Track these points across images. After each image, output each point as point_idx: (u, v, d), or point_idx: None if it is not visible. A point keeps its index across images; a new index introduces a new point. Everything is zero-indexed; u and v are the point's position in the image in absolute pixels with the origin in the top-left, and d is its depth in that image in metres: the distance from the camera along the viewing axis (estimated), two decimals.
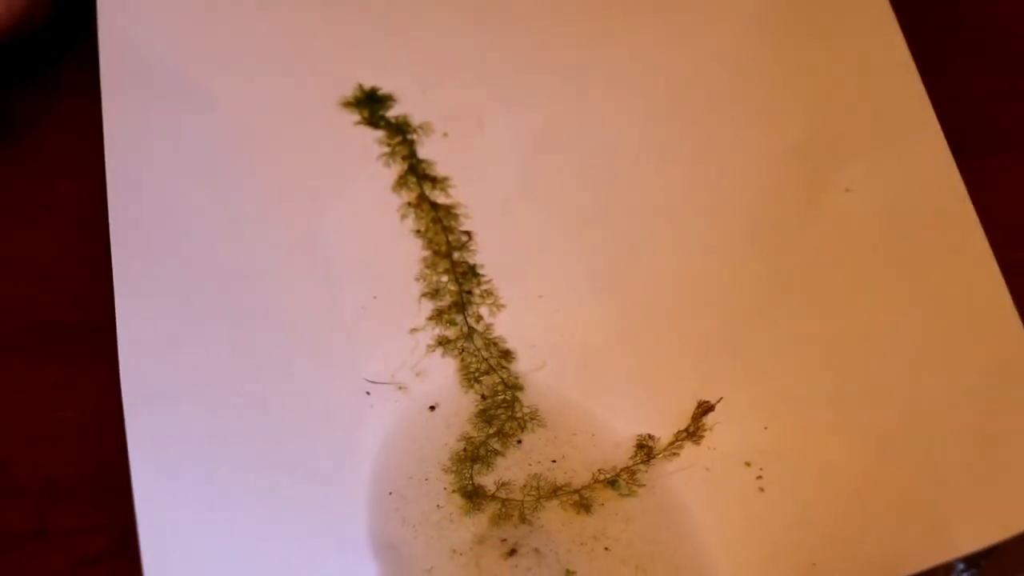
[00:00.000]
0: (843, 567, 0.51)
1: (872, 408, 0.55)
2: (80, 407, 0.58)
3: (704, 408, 0.57)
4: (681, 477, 0.56)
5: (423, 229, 0.63)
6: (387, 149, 0.66)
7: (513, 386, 0.59)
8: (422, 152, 0.66)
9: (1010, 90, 0.74)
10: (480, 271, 0.62)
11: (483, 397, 0.58)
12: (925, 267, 0.58)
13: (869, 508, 0.52)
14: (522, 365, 0.60)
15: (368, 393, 0.58)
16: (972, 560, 0.49)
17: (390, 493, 0.55)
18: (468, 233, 0.63)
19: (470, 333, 0.60)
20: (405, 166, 0.65)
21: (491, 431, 0.57)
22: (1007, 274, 0.55)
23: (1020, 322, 0.53)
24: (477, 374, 0.59)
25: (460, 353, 0.60)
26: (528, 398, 0.59)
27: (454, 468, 0.56)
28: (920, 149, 0.61)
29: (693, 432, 0.57)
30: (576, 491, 0.56)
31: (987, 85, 0.74)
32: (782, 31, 0.68)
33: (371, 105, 0.67)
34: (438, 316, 0.61)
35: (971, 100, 0.71)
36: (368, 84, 0.67)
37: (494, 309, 0.61)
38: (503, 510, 0.55)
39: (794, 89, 0.66)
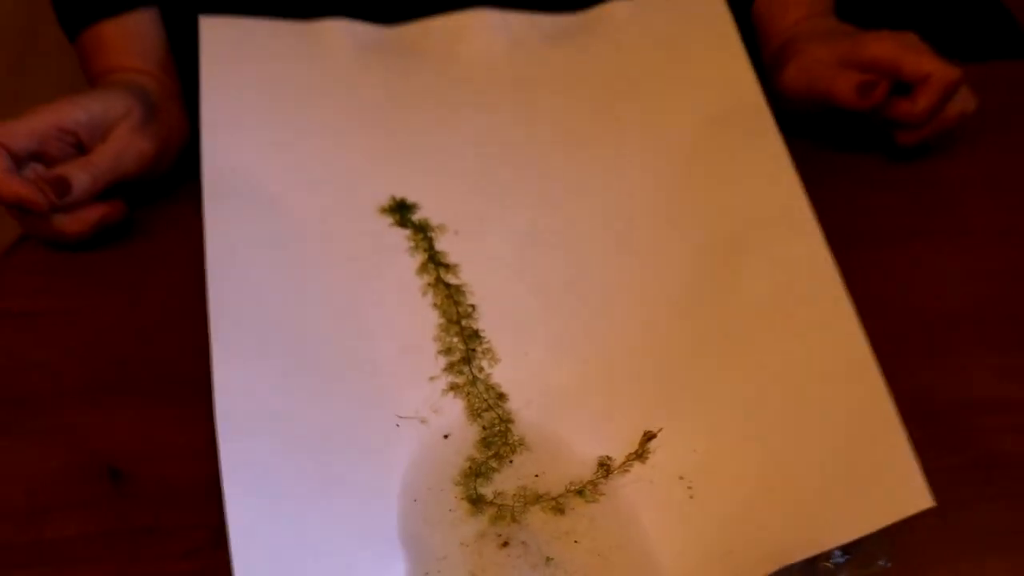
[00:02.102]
0: (751, 554, 0.51)
1: (771, 436, 0.55)
2: (185, 435, 0.59)
3: (648, 436, 0.57)
4: (631, 488, 0.56)
5: (439, 303, 0.64)
6: (412, 244, 0.67)
7: (506, 420, 0.59)
8: (438, 246, 0.67)
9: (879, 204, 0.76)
10: (482, 334, 0.63)
11: (484, 428, 0.59)
12: (810, 331, 0.58)
13: (770, 510, 0.52)
14: (513, 404, 0.60)
15: (398, 425, 0.58)
16: (846, 548, 0.50)
17: (415, 500, 0.55)
18: (472, 306, 0.64)
19: (474, 380, 0.61)
20: (426, 256, 0.66)
21: (490, 453, 0.57)
22: (871, 337, 0.56)
23: (879, 373, 0.54)
24: (479, 411, 0.59)
25: (467, 395, 0.60)
26: (518, 429, 0.59)
27: (462, 481, 0.56)
28: (801, 244, 0.61)
29: (640, 454, 0.57)
30: (553, 498, 0.55)
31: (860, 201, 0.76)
32: (700, 160, 0.69)
33: (401, 211, 0.68)
34: (450, 367, 0.61)
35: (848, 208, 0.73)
36: (399, 196, 0.69)
37: (492, 362, 0.62)
38: (499, 513, 0.55)
39: (709, 199, 0.67)
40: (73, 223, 0.69)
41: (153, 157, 0.72)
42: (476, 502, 0.56)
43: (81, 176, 0.68)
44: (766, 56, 0.82)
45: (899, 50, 0.74)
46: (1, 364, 0.64)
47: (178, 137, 0.75)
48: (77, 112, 0.70)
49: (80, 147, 0.70)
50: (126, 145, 0.70)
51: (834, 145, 0.78)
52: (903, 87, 0.74)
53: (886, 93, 0.73)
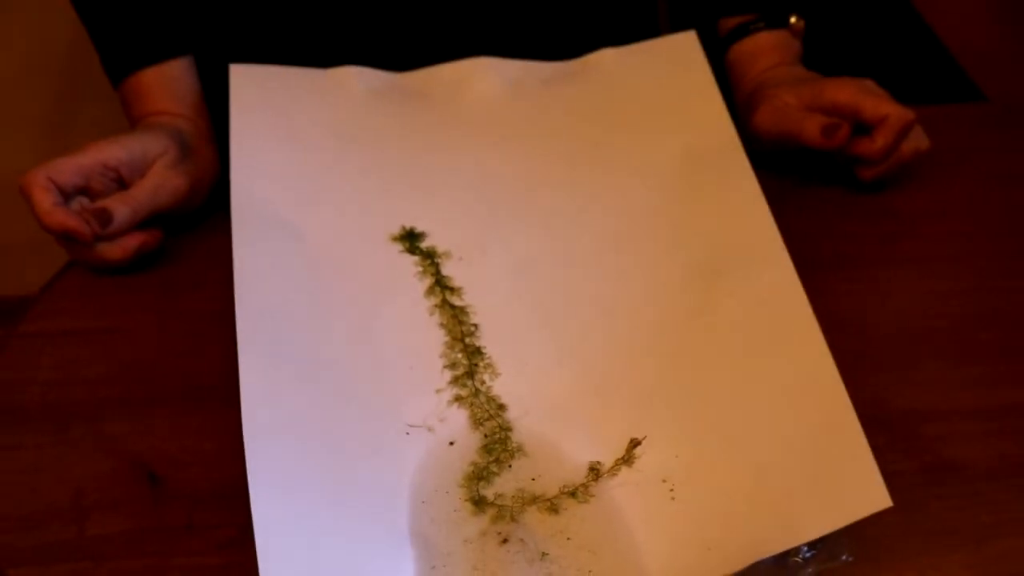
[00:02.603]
0: (728, 549, 0.51)
1: (745, 443, 0.55)
2: (215, 442, 0.59)
3: (634, 443, 0.57)
4: (619, 490, 0.56)
5: (445, 322, 0.64)
6: (421, 269, 0.67)
7: (506, 428, 0.59)
8: (444, 271, 0.67)
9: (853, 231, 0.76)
10: (483, 350, 0.63)
11: (485, 436, 0.59)
12: (781, 348, 0.58)
13: (745, 510, 0.52)
14: (512, 414, 0.60)
15: (407, 433, 0.58)
16: (812, 544, 0.50)
17: (423, 501, 0.55)
18: (475, 325, 0.64)
19: (476, 392, 0.60)
20: (433, 280, 0.66)
21: (491, 459, 0.57)
22: (835, 353, 0.56)
23: (842, 385, 0.54)
24: (481, 420, 0.59)
25: (470, 406, 0.60)
26: (516, 436, 0.59)
27: (466, 484, 0.56)
28: (772, 269, 0.61)
29: (627, 459, 0.57)
30: (548, 500, 0.55)
31: (824, 230, 0.76)
32: (681, 193, 0.69)
33: (410, 239, 0.68)
34: (455, 380, 0.61)
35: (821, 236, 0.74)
36: (408, 225, 0.69)
37: (493, 376, 0.62)
38: (499, 513, 0.55)
39: (689, 228, 0.67)
40: (114, 250, 0.69)
41: (187, 192, 0.72)
42: (478, 503, 0.55)
43: (122, 209, 0.68)
44: (739, 99, 0.83)
45: (859, 95, 0.74)
46: (51, 378, 0.64)
47: (210, 174, 0.76)
48: (119, 151, 0.70)
49: (121, 182, 0.71)
50: (162, 181, 0.70)
51: (801, 179, 0.78)
52: (863, 128, 0.75)
53: (848, 134, 0.73)
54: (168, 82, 0.78)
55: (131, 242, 0.69)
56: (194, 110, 0.78)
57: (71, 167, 0.68)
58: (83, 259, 0.70)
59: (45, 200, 0.66)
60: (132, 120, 0.78)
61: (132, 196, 0.69)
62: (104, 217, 0.67)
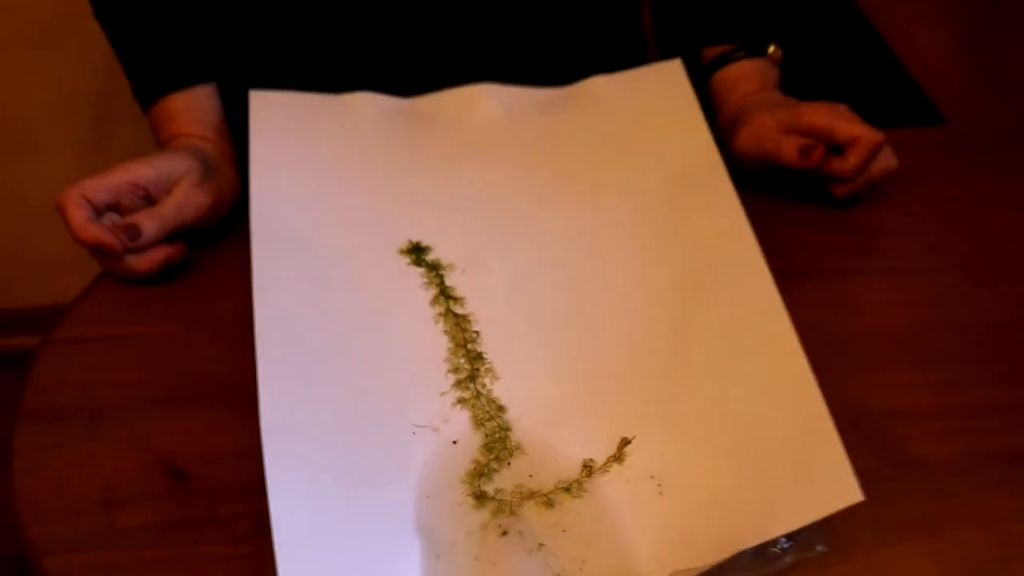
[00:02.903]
0: (711, 540, 0.51)
1: (728, 442, 0.56)
2: (236, 440, 0.59)
3: (624, 442, 0.58)
4: (610, 486, 0.56)
5: (448, 330, 0.64)
6: (426, 280, 0.67)
7: (505, 428, 0.59)
8: (448, 282, 0.67)
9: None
10: (485, 356, 0.63)
11: (486, 435, 0.59)
12: (760, 353, 0.59)
13: (727, 504, 0.53)
14: (511, 415, 0.60)
15: (414, 432, 0.58)
16: (790, 536, 0.50)
17: (428, 496, 0.55)
18: (477, 332, 0.64)
19: (478, 395, 0.61)
20: (438, 290, 0.66)
21: (491, 457, 0.57)
22: (810, 358, 0.56)
23: (817, 388, 0.55)
24: (483, 420, 0.59)
25: (472, 407, 0.60)
26: (515, 436, 0.59)
27: (468, 480, 0.56)
28: (751, 279, 0.62)
29: (618, 457, 0.57)
30: (545, 495, 0.55)
31: (800, 243, 0.76)
32: (668, 209, 0.70)
33: (417, 253, 0.68)
34: (458, 384, 0.61)
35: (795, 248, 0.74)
36: (415, 240, 0.69)
37: (493, 380, 0.62)
38: (499, 507, 0.55)
39: (675, 242, 0.67)
40: (143, 262, 0.69)
41: (209, 208, 0.72)
42: (480, 498, 0.56)
43: (150, 224, 0.69)
44: (721, 123, 0.83)
45: (832, 118, 0.75)
46: (84, 380, 0.64)
47: (231, 191, 0.76)
48: (147, 170, 0.70)
49: (149, 199, 0.71)
50: (187, 198, 0.71)
51: (779, 197, 0.79)
52: (837, 148, 0.75)
53: (823, 155, 0.74)
54: (193, 107, 0.78)
55: (158, 255, 0.70)
56: (217, 132, 0.78)
57: (103, 185, 0.68)
58: (114, 270, 0.70)
59: (79, 216, 0.67)
60: (160, 142, 0.78)
61: (159, 212, 0.70)
62: (133, 232, 0.68)
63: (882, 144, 0.74)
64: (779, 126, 0.76)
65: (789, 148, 0.74)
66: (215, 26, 0.81)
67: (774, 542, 0.50)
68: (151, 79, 0.78)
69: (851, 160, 0.74)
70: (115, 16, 0.79)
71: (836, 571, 0.54)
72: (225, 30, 0.83)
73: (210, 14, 0.81)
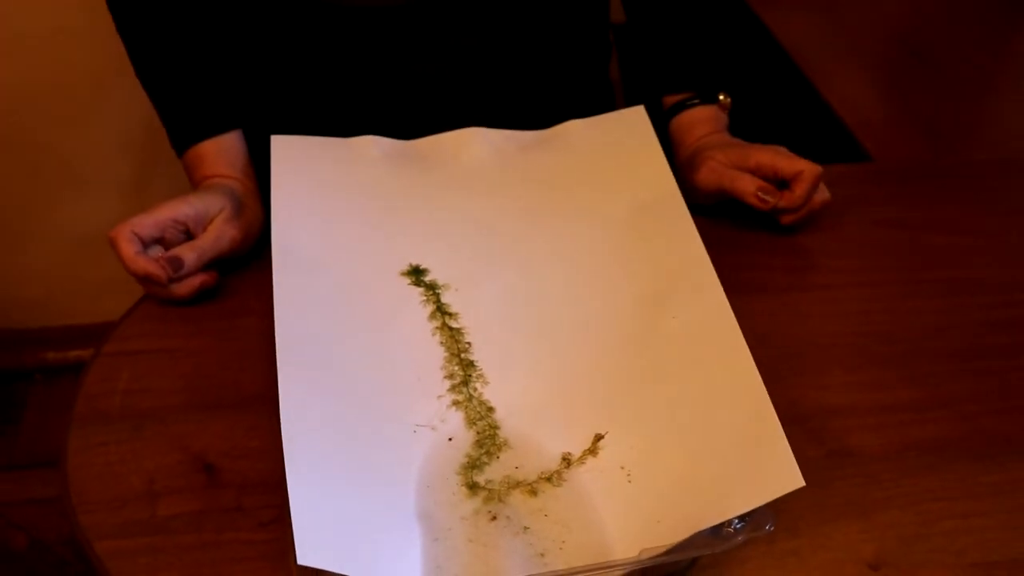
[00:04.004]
0: (674, 522, 0.51)
1: (687, 437, 0.55)
2: (259, 439, 0.59)
3: (598, 437, 0.58)
4: (586, 476, 0.56)
5: (444, 341, 0.63)
6: (424, 298, 0.66)
7: (494, 427, 0.59)
8: (444, 299, 0.66)
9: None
10: (476, 364, 0.62)
11: (478, 433, 0.58)
12: (714, 359, 0.58)
13: (687, 490, 0.53)
14: (499, 415, 0.60)
15: (415, 431, 0.58)
16: (742, 517, 0.50)
17: (427, 486, 0.55)
18: (469, 343, 0.63)
19: (470, 398, 0.60)
20: (434, 307, 0.65)
21: (482, 452, 0.57)
22: (758, 363, 0.56)
23: (764, 388, 0.54)
24: (474, 420, 0.59)
25: (465, 409, 0.60)
26: (503, 433, 0.59)
27: (462, 472, 0.56)
28: (707, 295, 0.61)
29: (592, 451, 0.57)
30: (530, 484, 0.56)
31: (749, 263, 0.76)
32: (632, 236, 0.69)
33: (416, 274, 0.67)
34: (453, 388, 0.61)
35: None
36: (414, 263, 0.68)
37: (484, 384, 0.61)
38: (489, 495, 0.55)
39: (639, 265, 0.67)
40: (181, 288, 0.69)
41: (240, 241, 0.72)
42: (472, 487, 0.56)
43: (190, 255, 0.69)
44: (679, 160, 0.83)
45: (776, 157, 0.75)
46: (129, 388, 0.64)
47: (257, 225, 0.76)
48: (187, 208, 0.70)
49: (188, 233, 0.71)
50: (222, 233, 0.71)
51: (729, 224, 0.79)
52: (782, 184, 0.76)
53: (778, 199, 0.75)
54: (223, 151, 0.78)
55: (195, 282, 0.69)
56: (244, 173, 0.78)
57: (150, 222, 0.68)
58: (157, 295, 0.70)
59: (130, 250, 0.67)
60: (194, 182, 0.78)
61: (198, 245, 0.69)
62: (176, 263, 0.68)
63: (822, 175, 0.74)
64: (731, 163, 0.77)
65: (746, 186, 0.75)
66: (241, 80, 0.82)
67: (729, 523, 0.50)
68: (186, 128, 0.78)
69: (798, 191, 0.74)
70: (153, 73, 0.79)
71: (783, 547, 0.54)
72: (249, 84, 0.83)
73: (236, 70, 0.81)
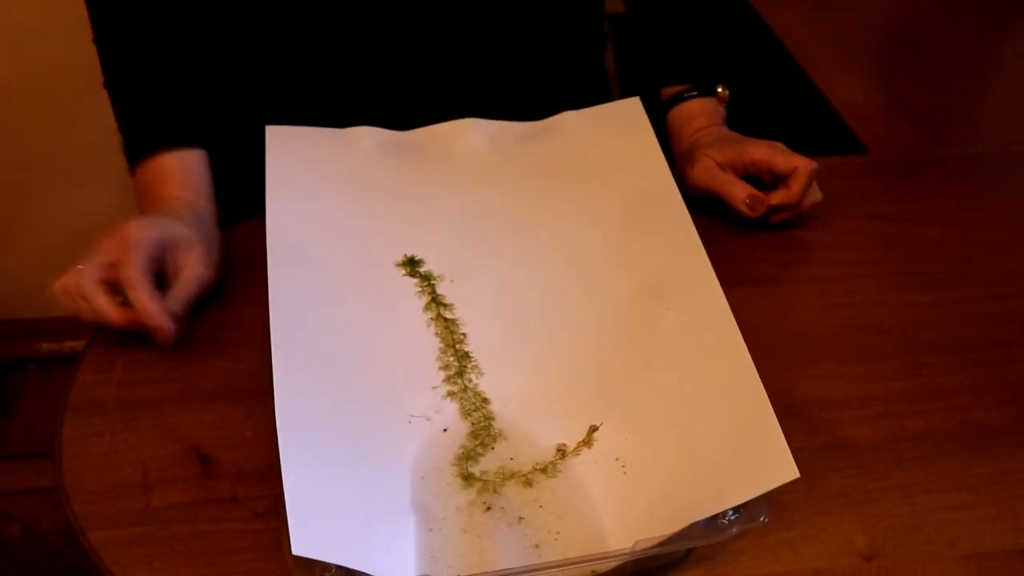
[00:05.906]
0: (669, 513, 0.51)
1: (682, 428, 0.55)
2: (254, 430, 0.59)
3: (593, 429, 0.58)
4: (581, 467, 0.56)
5: (439, 332, 0.63)
6: (420, 289, 0.66)
7: (489, 418, 0.59)
8: (439, 290, 0.66)
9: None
10: (471, 355, 0.62)
11: (473, 424, 0.59)
12: (710, 351, 0.58)
13: (682, 482, 0.53)
14: (494, 406, 0.60)
15: (410, 422, 0.58)
16: (736, 508, 0.50)
17: (422, 477, 0.55)
18: (464, 334, 0.63)
19: (465, 389, 0.60)
20: (430, 297, 0.65)
21: (477, 443, 0.57)
22: (753, 354, 0.56)
23: (759, 380, 0.54)
24: (469, 411, 0.59)
25: (460, 400, 0.60)
26: (497, 424, 0.59)
27: (457, 463, 0.56)
28: (702, 288, 0.61)
29: (587, 442, 0.57)
30: (524, 475, 0.56)
31: (744, 257, 0.76)
32: (629, 228, 0.69)
33: (411, 265, 0.67)
34: (448, 379, 0.61)
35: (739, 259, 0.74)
36: (410, 254, 0.68)
37: (479, 375, 0.61)
38: (484, 486, 0.55)
39: (636, 256, 0.67)
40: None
41: (213, 282, 0.69)
42: (467, 478, 0.56)
43: (184, 307, 0.65)
44: (675, 152, 0.83)
45: (772, 153, 0.75)
46: (123, 379, 0.64)
47: (221, 253, 0.71)
48: (176, 230, 0.66)
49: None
50: (197, 276, 0.65)
51: (725, 217, 0.78)
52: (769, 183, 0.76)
53: (768, 208, 0.75)
54: (187, 170, 0.73)
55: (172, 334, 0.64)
56: (208, 199, 0.74)
57: (142, 259, 0.63)
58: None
59: (152, 307, 0.62)
60: (150, 200, 0.72)
61: (182, 296, 0.64)
62: (182, 316, 0.65)
63: (817, 170, 0.74)
64: (727, 161, 0.76)
65: (736, 193, 0.75)
66: (218, 98, 0.78)
67: (723, 514, 0.50)
68: (148, 136, 0.74)
69: (794, 187, 0.74)
70: (124, 81, 0.75)
71: (776, 538, 0.54)
72: (232, 92, 0.81)
73: (217, 85, 0.78)
